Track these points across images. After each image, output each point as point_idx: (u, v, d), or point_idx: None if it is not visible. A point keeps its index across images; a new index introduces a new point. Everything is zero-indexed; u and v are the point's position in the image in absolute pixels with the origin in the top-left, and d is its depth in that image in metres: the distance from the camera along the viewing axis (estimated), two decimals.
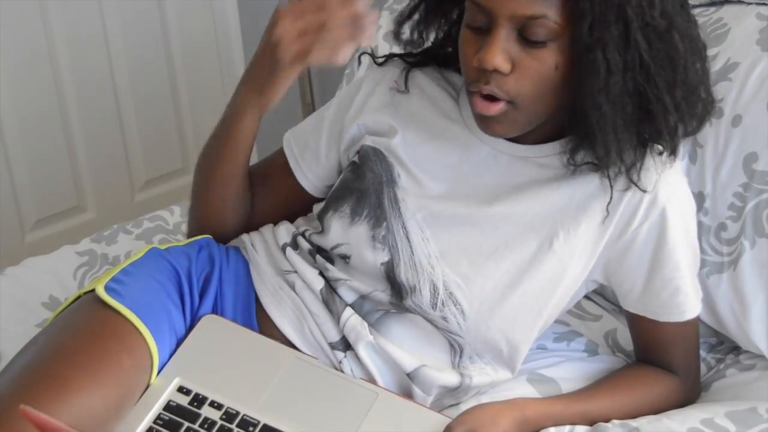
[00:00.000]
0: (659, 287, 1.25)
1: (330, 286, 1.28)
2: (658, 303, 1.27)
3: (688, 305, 1.27)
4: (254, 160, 3.12)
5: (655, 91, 1.13)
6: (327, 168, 1.40)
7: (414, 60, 1.35)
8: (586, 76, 1.12)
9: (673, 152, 1.21)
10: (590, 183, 1.24)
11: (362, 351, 1.24)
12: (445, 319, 1.24)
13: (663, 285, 1.25)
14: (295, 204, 1.43)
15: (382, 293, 1.27)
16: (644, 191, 1.20)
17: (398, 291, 1.25)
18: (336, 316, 1.26)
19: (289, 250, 1.33)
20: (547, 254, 1.23)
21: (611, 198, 1.21)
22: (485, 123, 1.19)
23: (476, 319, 1.24)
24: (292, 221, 1.42)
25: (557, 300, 1.26)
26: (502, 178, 1.26)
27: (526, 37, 1.11)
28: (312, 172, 1.40)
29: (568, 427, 1.23)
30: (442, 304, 1.24)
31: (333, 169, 1.40)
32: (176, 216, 1.83)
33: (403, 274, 1.25)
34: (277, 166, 1.42)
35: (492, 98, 1.16)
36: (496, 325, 1.24)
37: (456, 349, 1.27)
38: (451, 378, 1.26)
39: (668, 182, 1.22)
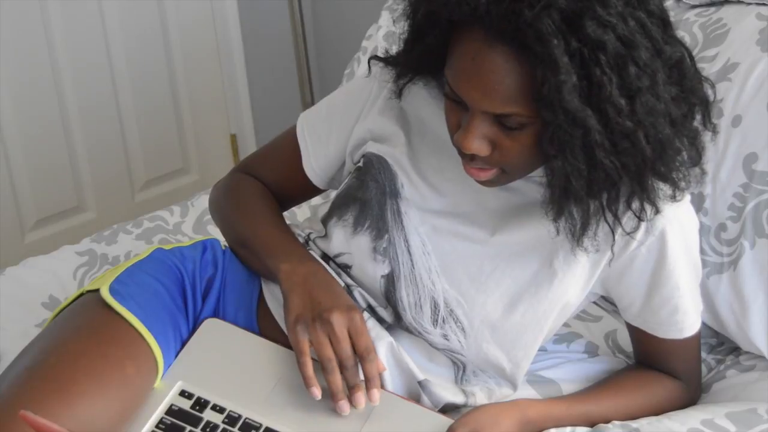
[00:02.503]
0: (658, 306, 1.25)
1: (346, 289, 1.28)
2: (657, 320, 1.26)
3: (687, 323, 1.26)
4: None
5: (625, 181, 1.10)
6: (332, 161, 1.39)
7: (421, 66, 1.27)
8: (553, 176, 1.11)
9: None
10: None
11: (381, 350, 1.23)
12: (446, 337, 1.24)
13: (662, 304, 1.24)
14: (291, 187, 1.43)
15: (384, 310, 1.27)
16: (642, 221, 1.18)
17: (396, 310, 1.25)
18: None
19: None
20: (547, 273, 1.22)
21: (614, 240, 1.19)
22: (480, 182, 1.19)
23: (477, 337, 1.23)
24: (282, 205, 1.42)
25: (558, 317, 1.26)
26: (504, 195, 1.25)
27: (502, 123, 1.10)
28: (318, 165, 1.39)
29: (569, 428, 1.23)
30: (443, 320, 1.24)
31: (337, 163, 1.39)
32: (176, 216, 1.83)
33: (404, 289, 1.24)
34: (287, 150, 1.41)
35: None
36: (497, 343, 1.24)
37: (459, 366, 1.27)
38: (455, 397, 1.26)
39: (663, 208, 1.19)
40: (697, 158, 1.17)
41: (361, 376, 1.19)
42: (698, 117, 1.16)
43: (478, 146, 1.11)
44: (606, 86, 1.03)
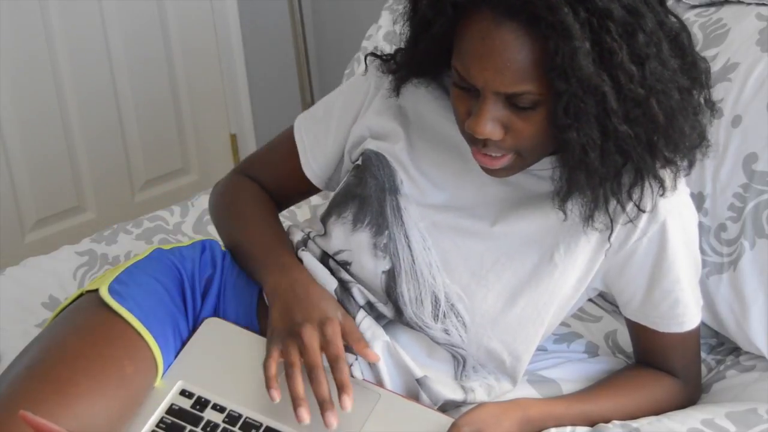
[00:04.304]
0: (659, 299, 1.25)
1: (343, 286, 1.28)
2: (658, 314, 1.26)
3: (688, 316, 1.26)
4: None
5: (637, 151, 1.11)
6: (331, 161, 1.39)
7: (424, 63, 1.26)
8: (566, 150, 1.11)
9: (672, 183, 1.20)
10: None
11: (378, 350, 1.23)
12: (446, 331, 1.24)
13: (662, 297, 1.25)
14: (289, 187, 1.43)
15: (384, 306, 1.27)
16: (643, 211, 1.19)
17: (396, 305, 1.25)
18: (352, 315, 1.26)
19: (301, 252, 1.32)
20: (547, 266, 1.22)
21: (612, 230, 1.19)
22: (490, 172, 1.19)
23: (477, 332, 1.24)
24: (280, 205, 1.43)
25: (558, 310, 1.26)
26: (504, 189, 1.25)
27: (514, 103, 1.10)
28: (318, 165, 1.40)
29: (569, 428, 1.23)
30: (444, 315, 1.24)
31: (335, 162, 1.39)
32: (176, 216, 1.83)
33: (404, 285, 1.25)
34: (285, 150, 1.42)
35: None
36: (497, 337, 1.24)
37: (459, 360, 1.27)
38: (454, 394, 1.26)
39: (668, 195, 1.21)
40: (701, 131, 1.18)
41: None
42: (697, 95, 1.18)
43: (491, 129, 1.11)
44: (617, 53, 1.05)
